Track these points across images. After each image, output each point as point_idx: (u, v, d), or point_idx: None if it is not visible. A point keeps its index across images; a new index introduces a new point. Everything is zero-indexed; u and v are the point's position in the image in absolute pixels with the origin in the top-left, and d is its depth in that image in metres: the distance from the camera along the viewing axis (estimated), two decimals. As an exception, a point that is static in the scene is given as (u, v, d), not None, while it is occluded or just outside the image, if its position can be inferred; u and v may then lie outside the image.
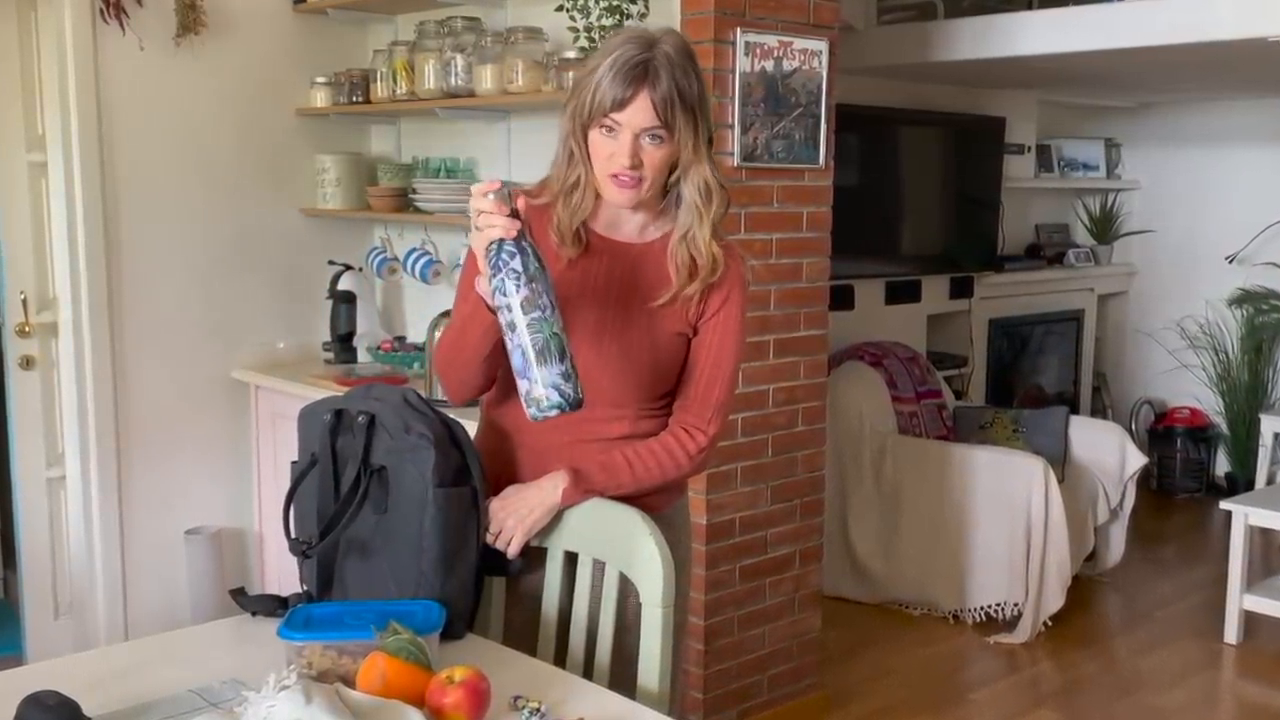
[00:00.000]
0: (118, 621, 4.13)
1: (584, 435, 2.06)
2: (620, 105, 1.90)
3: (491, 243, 1.81)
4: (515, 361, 1.78)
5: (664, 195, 2.04)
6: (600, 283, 2.05)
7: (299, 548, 2.00)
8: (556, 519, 2.05)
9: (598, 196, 2.02)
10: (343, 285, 4.36)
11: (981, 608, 4.78)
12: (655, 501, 2.09)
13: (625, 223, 2.08)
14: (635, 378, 2.06)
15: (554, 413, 1.77)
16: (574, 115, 1.96)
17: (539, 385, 1.76)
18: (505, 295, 1.77)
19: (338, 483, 1.99)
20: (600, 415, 2.04)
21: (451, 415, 2.03)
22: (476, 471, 1.97)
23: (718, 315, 2.07)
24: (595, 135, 1.96)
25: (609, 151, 1.95)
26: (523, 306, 1.76)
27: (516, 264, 1.77)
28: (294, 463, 2.08)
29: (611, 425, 2.08)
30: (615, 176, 1.96)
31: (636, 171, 1.95)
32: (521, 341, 1.76)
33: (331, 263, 4.42)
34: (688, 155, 1.97)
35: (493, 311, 1.85)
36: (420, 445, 1.92)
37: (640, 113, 1.91)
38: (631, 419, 2.09)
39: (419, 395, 2.03)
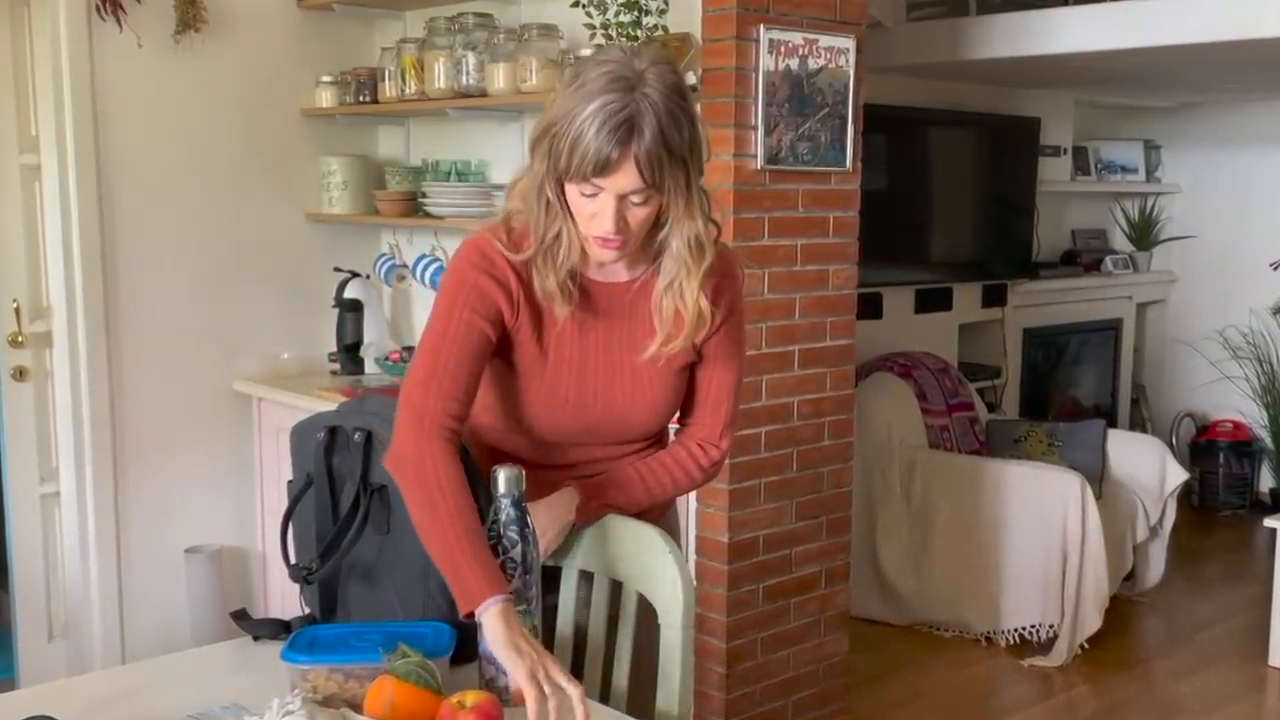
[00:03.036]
0: (114, 644, 4.10)
1: (592, 473, 2.03)
2: (603, 170, 1.73)
3: (500, 511, 1.80)
4: (486, 646, 1.76)
5: (653, 236, 1.89)
6: (602, 335, 1.97)
7: (299, 574, 1.99)
8: (570, 537, 2.01)
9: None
10: (349, 293, 4.34)
11: (1015, 629, 4.76)
12: (649, 516, 2.05)
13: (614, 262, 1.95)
14: (644, 418, 2.03)
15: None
16: (549, 160, 1.78)
17: (506, 676, 1.75)
18: None
19: (336, 503, 2.00)
20: (605, 455, 2.04)
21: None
22: (479, 488, 1.90)
23: (720, 331, 1.99)
24: (574, 191, 1.80)
25: (590, 212, 1.80)
26: (512, 598, 1.77)
27: (516, 553, 1.78)
28: (290, 482, 2.07)
29: (619, 463, 2.06)
30: (597, 236, 1.82)
31: (621, 235, 1.81)
32: None
33: (337, 269, 4.40)
34: (678, 210, 1.82)
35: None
36: (423, 462, 1.90)
37: (625, 177, 1.74)
38: (640, 451, 2.08)
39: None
